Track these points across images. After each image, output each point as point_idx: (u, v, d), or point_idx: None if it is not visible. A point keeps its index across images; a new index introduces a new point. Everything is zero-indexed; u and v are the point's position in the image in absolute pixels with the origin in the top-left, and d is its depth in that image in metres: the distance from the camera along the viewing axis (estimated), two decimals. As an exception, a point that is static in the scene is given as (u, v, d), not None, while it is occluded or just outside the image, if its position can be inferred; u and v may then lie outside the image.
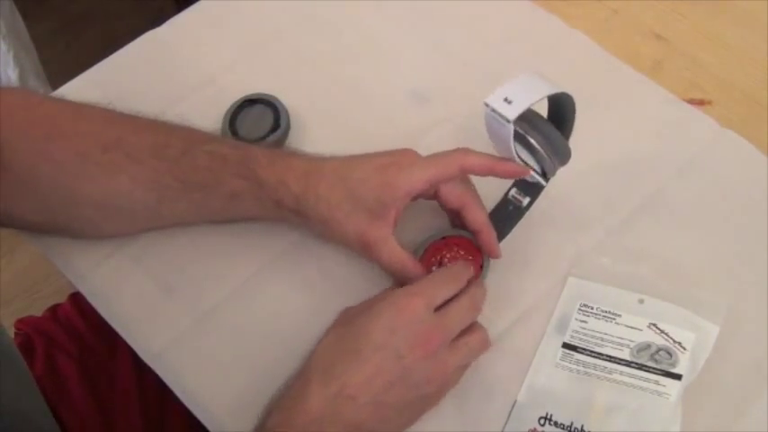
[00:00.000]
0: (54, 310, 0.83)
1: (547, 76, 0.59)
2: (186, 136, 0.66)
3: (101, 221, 0.67)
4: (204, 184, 0.64)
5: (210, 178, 0.64)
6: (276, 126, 0.73)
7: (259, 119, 0.74)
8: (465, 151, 0.63)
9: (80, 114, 0.67)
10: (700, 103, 0.74)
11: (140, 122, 0.67)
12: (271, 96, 0.75)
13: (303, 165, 0.64)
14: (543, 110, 0.62)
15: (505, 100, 0.57)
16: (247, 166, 0.64)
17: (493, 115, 0.57)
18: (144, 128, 0.66)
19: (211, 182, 0.64)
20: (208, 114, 0.69)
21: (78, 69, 0.79)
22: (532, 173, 0.62)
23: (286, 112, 0.74)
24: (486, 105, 0.57)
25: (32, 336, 0.79)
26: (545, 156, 0.61)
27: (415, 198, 0.64)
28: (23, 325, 0.82)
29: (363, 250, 0.64)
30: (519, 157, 0.61)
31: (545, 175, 0.63)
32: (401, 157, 0.64)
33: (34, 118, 0.65)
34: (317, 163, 0.65)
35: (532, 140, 0.61)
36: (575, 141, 0.64)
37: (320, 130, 0.73)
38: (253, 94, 0.75)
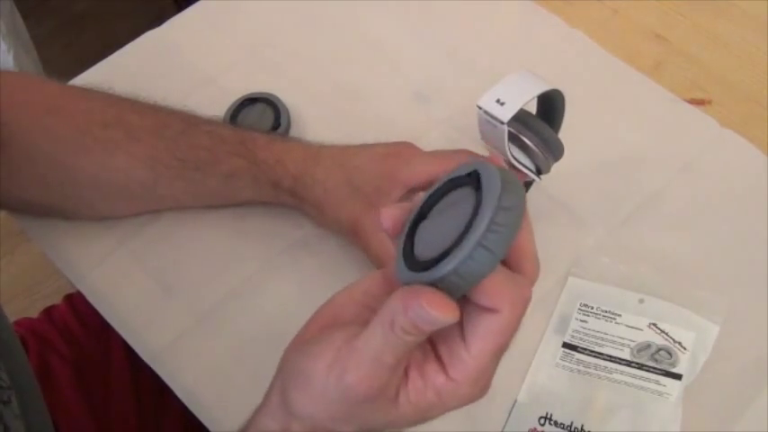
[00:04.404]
0: (49, 311, 0.82)
1: (537, 72, 0.59)
2: (186, 118, 0.67)
3: (97, 201, 0.67)
4: (202, 162, 0.65)
5: (208, 157, 0.65)
6: (277, 125, 0.73)
7: (260, 117, 0.74)
8: (467, 153, 0.63)
9: (81, 94, 0.68)
10: (700, 102, 0.74)
11: (141, 104, 0.67)
12: (271, 95, 0.75)
13: (302, 148, 0.65)
14: (532, 106, 0.62)
15: (498, 101, 0.57)
16: (246, 146, 0.65)
17: (486, 118, 0.57)
18: (145, 108, 0.67)
19: (209, 160, 0.65)
20: (208, 113, 0.69)
21: (78, 69, 0.79)
22: (527, 171, 0.62)
23: (286, 110, 0.74)
24: (479, 108, 0.57)
25: (26, 337, 0.79)
26: (539, 154, 0.61)
27: (411, 191, 0.64)
28: (18, 326, 0.81)
29: (354, 237, 0.64)
30: (513, 156, 0.61)
31: (539, 173, 0.63)
32: (402, 149, 0.64)
33: (35, 97, 0.65)
34: (316, 148, 0.65)
35: (526, 139, 0.61)
36: (574, 141, 0.64)
37: (320, 130, 0.73)
38: (253, 93, 0.75)
